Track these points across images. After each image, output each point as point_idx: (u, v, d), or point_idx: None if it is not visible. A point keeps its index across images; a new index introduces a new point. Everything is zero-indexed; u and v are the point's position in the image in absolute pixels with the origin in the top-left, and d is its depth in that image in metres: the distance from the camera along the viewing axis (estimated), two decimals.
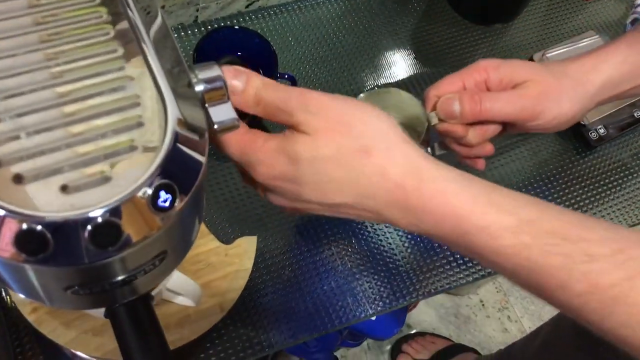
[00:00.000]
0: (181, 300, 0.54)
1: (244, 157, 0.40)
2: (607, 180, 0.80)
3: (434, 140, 0.61)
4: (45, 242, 0.29)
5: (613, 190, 0.80)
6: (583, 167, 0.81)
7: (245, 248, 0.61)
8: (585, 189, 0.79)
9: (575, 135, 0.82)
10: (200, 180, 0.35)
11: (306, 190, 0.39)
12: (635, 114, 0.80)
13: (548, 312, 1.51)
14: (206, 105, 0.37)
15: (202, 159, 0.35)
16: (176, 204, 0.32)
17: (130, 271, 0.33)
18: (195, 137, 0.35)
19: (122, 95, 0.33)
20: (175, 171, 0.33)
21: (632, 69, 0.56)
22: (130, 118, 0.33)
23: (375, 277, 0.70)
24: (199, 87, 0.37)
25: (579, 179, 0.80)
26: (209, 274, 0.58)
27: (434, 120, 0.55)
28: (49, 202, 0.29)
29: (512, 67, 0.55)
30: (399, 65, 0.85)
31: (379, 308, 0.68)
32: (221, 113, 0.38)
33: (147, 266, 0.34)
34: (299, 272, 0.68)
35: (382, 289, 0.69)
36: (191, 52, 0.70)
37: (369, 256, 0.71)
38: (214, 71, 0.38)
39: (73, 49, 0.34)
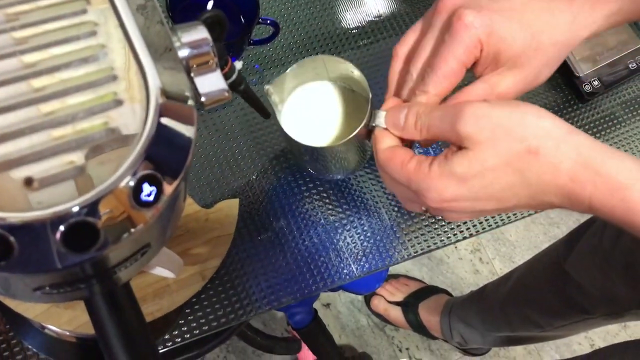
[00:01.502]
0: (160, 272, 0.50)
1: (412, 185, 0.42)
2: (599, 134, 0.78)
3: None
4: (8, 247, 0.25)
5: (606, 142, 0.78)
6: (575, 120, 0.78)
7: (227, 212, 0.57)
8: None
9: (568, 88, 0.79)
10: (190, 160, 0.30)
11: (481, 203, 0.40)
12: (630, 66, 0.77)
13: (519, 255, 1.53)
14: (191, 74, 0.32)
15: (191, 133, 0.30)
16: (162, 196, 0.28)
17: (108, 269, 0.29)
18: (182, 108, 0.30)
19: (97, 68, 0.28)
20: (160, 156, 0.28)
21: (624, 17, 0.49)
22: (104, 96, 0.28)
23: (361, 234, 0.67)
24: (183, 52, 0.32)
25: None
26: (188, 241, 0.54)
27: (380, 122, 0.47)
28: (11, 200, 0.25)
29: (502, 42, 0.46)
30: (385, 3, 0.79)
31: (364, 269, 0.66)
32: (208, 83, 0.33)
33: (127, 261, 0.30)
34: (281, 232, 0.64)
35: (367, 248, 0.66)
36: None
37: (355, 213, 0.68)
38: (199, 32, 0.33)
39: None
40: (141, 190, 0.26)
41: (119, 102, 0.28)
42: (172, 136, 0.30)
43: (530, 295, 1.05)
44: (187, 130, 0.30)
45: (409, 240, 0.68)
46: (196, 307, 0.58)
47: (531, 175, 0.38)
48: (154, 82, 0.28)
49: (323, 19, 0.76)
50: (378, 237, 0.67)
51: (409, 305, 1.35)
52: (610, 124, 0.79)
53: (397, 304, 1.36)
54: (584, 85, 0.76)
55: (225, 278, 0.60)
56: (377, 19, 0.78)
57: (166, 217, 0.30)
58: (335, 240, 0.66)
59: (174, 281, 0.52)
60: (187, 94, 0.31)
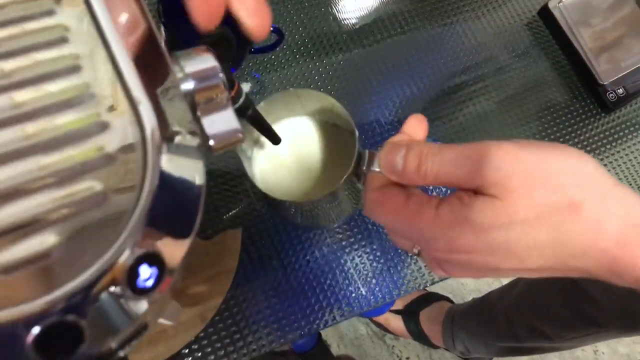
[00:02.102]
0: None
1: (412, 232, 0.35)
2: (625, 145, 0.73)
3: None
4: None
5: (633, 155, 0.73)
6: (599, 132, 0.73)
7: (229, 244, 0.51)
8: (601, 156, 0.72)
9: (591, 97, 0.73)
10: (200, 217, 0.25)
11: (497, 260, 0.33)
12: None
13: None
14: (197, 113, 0.26)
15: (200, 181, 0.25)
16: (165, 278, 0.22)
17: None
18: (188, 151, 0.25)
19: (78, 116, 0.22)
20: (163, 219, 0.23)
21: None
22: (89, 150, 0.22)
23: (373, 261, 0.61)
24: (187, 85, 0.26)
25: (595, 144, 0.72)
26: (186, 279, 0.48)
27: (372, 165, 0.39)
28: None
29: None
30: (387, 2, 0.73)
31: (377, 300, 0.60)
32: (218, 122, 0.27)
33: (119, 350, 0.24)
34: (286, 260, 0.58)
35: (379, 277, 0.61)
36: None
37: (367, 237, 0.62)
38: (206, 61, 0.26)
39: None
40: (138, 275, 0.21)
41: (109, 159, 0.22)
42: (178, 189, 0.24)
43: (538, 305, 1.01)
44: (196, 178, 0.25)
45: (425, 266, 0.62)
46: (195, 351, 0.52)
47: (568, 235, 0.31)
48: (150, 122, 0.23)
49: (327, 21, 0.70)
50: (390, 264, 0.61)
51: (409, 314, 1.30)
52: (635, 134, 0.74)
53: (397, 312, 1.31)
54: (608, 94, 0.71)
55: (226, 317, 0.54)
56: (380, 18, 0.72)
57: (169, 293, 0.24)
58: (345, 268, 0.60)
59: (171, 325, 0.47)
60: (192, 132, 0.25)
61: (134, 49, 0.24)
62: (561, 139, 0.71)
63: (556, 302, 0.97)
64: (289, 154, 0.49)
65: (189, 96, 0.26)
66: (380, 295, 0.60)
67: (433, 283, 0.62)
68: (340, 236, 0.61)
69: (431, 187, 0.63)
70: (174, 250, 0.23)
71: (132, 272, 0.20)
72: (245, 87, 0.43)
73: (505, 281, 1.41)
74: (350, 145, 0.42)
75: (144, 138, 0.23)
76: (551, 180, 0.31)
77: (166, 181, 0.23)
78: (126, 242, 0.20)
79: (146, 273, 0.21)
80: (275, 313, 0.56)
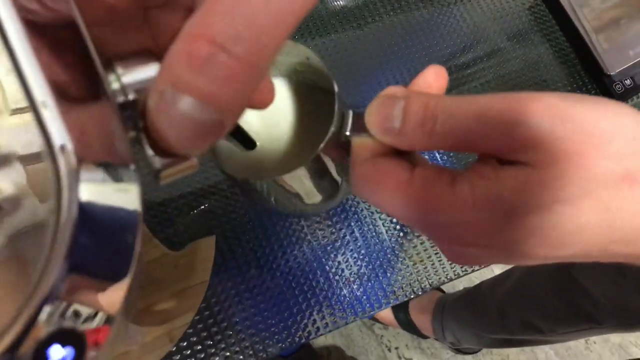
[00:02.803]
0: None
1: (420, 217, 0.27)
2: None
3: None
4: None
5: None
6: None
7: (201, 255, 0.46)
8: None
9: (597, 87, 0.68)
10: (137, 258, 0.20)
11: (529, 247, 0.26)
12: None
13: None
14: (139, 133, 0.21)
15: (134, 205, 0.20)
16: (86, 357, 0.17)
17: None
18: (118, 175, 0.20)
19: None
20: (85, 264, 0.18)
21: None
22: None
23: (361, 267, 0.57)
24: (121, 96, 0.21)
25: None
26: (152, 295, 0.44)
27: (350, 128, 0.30)
28: None
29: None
30: (400, 2, 0.68)
31: (365, 311, 0.56)
32: None
33: None
34: (266, 268, 0.54)
35: (367, 285, 0.56)
36: None
37: (350, 233, 0.57)
38: (150, 69, 0.21)
39: None
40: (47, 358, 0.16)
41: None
42: (105, 219, 0.19)
43: (532, 299, 0.99)
44: (129, 202, 0.20)
45: (417, 272, 0.58)
46: None
47: (620, 215, 0.24)
48: (60, 134, 0.18)
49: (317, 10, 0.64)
50: (379, 270, 0.57)
51: (399, 303, 1.27)
52: None
53: None
54: (615, 85, 0.66)
55: (197, 335, 0.49)
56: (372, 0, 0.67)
57: None
58: (330, 275, 0.56)
59: (137, 347, 0.42)
60: (124, 152, 0.20)
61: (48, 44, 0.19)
62: None
63: (550, 296, 0.95)
64: (261, 125, 0.40)
65: (126, 112, 0.20)
66: (368, 305, 0.56)
67: (432, 287, 0.58)
68: (322, 232, 0.57)
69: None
70: (107, 298, 0.19)
71: (39, 356, 0.16)
72: None
73: (497, 270, 1.38)
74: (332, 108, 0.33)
75: (53, 155, 0.18)
76: (607, 144, 0.24)
77: (88, 212, 0.18)
78: (33, 317, 0.16)
79: (58, 354, 0.16)
80: (253, 325, 0.52)
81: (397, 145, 0.28)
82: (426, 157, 0.52)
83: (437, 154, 0.62)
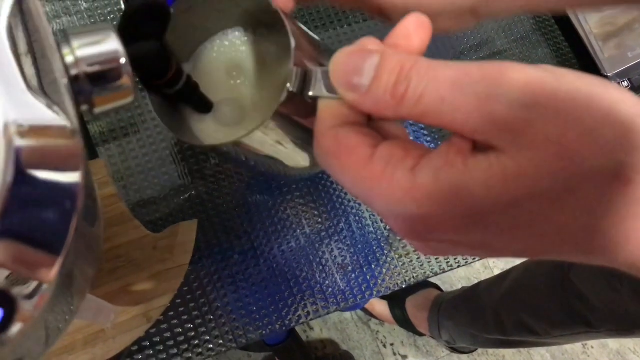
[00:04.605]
0: (86, 318, 0.40)
1: (375, 202, 0.24)
2: None
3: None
4: None
5: None
6: None
7: (181, 238, 0.46)
8: None
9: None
10: (74, 228, 0.20)
11: (498, 245, 0.23)
12: None
13: None
14: (90, 107, 0.21)
15: (75, 183, 0.20)
16: (16, 319, 0.17)
17: None
18: (59, 146, 0.20)
19: None
20: (16, 239, 0.18)
21: None
22: None
23: (345, 254, 0.57)
24: (75, 70, 0.21)
25: None
26: (130, 275, 0.44)
27: (320, 86, 0.27)
28: None
29: None
30: None
31: (348, 302, 0.56)
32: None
33: None
34: (250, 254, 0.54)
35: (352, 277, 0.57)
36: None
37: (346, 223, 0.58)
38: (106, 43, 0.21)
39: None
40: None
41: None
42: (41, 195, 0.19)
43: (528, 302, 0.99)
44: (68, 177, 0.20)
45: (402, 265, 0.58)
46: (138, 356, 0.48)
47: (604, 220, 0.21)
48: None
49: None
50: (370, 258, 0.57)
51: (395, 300, 1.27)
52: None
53: (382, 297, 1.28)
54: None
55: (177, 318, 0.50)
56: None
57: (40, 327, 0.20)
58: (314, 265, 0.56)
59: (112, 325, 0.42)
60: (65, 118, 0.20)
61: None
62: None
63: (546, 299, 0.94)
64: (223, 86, 0.37)
65: (78, 85, 0.21)
66: (351, 296, 0.56)
67: (416, 281, 0.58)
68: (309, 222, 0.57)
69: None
70: (42, 266, 0.19)
71: None
72: (188, 67, 0.37)
73: (498, 271, 1.37)
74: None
75: None
76: (598, 133, 0.20)
77: (25, 179, 0.18)
78: None
79: None
80: (234, 311, 0.52)
81: (361, 107, 0.25)
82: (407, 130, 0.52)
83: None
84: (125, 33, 0.28)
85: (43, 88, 0.20)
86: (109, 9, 0.58)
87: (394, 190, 0.22)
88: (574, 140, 0.20)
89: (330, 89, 0.26)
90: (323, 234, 0.57)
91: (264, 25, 0.37)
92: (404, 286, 0.57)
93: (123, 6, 0.54)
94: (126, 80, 0.21)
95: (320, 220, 0.57)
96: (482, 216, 0.21)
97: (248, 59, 0.38)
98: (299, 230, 0.56)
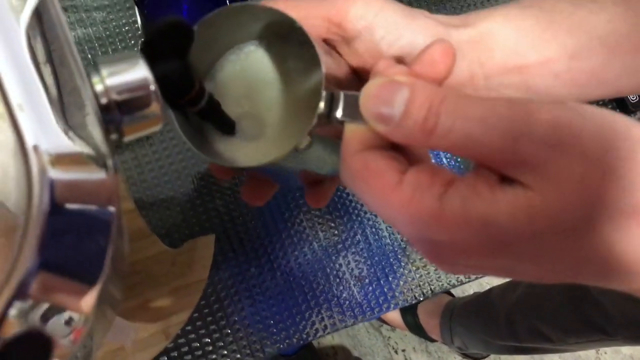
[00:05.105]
0: (108, 338, 0.40)
1: (404, 226, 0.25)
2: None
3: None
4: None
5: None
6: None
7: (200, 253, 0.46)
8: None
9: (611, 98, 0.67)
10: (109, 263, 0.20)
11: (520, 271, 0.24)
12: None
13: None
14: (119, 135, 0.21)
15: (109, 212, 0.20)
16: (53, 357, 0.17)
17: None
18: (91, 182, 0.20)
19: None
20: (53, 272, 0.18)
21: (543, 29, 0.35)
22: None
23: (371, 266, 0.57)
24: (105, 99, 0.21)
25: None
26: (149, 291, 0.44)
27: (349, 112, 0.28)
28: None
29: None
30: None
31: (365, 316, 0.56)
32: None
33: None
34: (266, 267, 0.54)
35: (369, 290, 0.56)
36: None
37: (362, 235, 0.57)
38: (135, 70, 0.21)
39: None
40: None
41: None
42: (75, 226, 0.19)
43: (542, 308, 0.98)
44: (103, 213, 0.20)
45: (419, 277, 0.57)
46: None
47: (625, 252, 0.22)
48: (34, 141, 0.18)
49: None
50: (387, 270, 0.57)
51: (407, 306, 1.26)
52: None
53: None
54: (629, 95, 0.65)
55: (195, 332, 0.49)
56: None
57: None
58: (330, 277, 0.55)
59: (131, 343, 0.42)
60: (101, 149, 0.20)
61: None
62: None
63: (561, 305, 0.93)
64: (243, 101, 0.36)
65: (109, 114, 0.20)
66: (368, 308, 0.55)
67: (434, 294, 0.57)
68: (325, 233, 0.56)
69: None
70: (79, 298, 0.19)
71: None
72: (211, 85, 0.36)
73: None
74: (319, 89, 0.29)
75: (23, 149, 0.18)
76: (619, 173, 0.21)
77: (60, 210, 0.18)
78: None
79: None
80: (252, 324, 0.52)
81: (390, 137, 0.25)
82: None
83: (443, 158, 0.61)
84: (149, 52, 0.28)
85: (63, 101, 0.20)
86: (123, 21, 0.58)
87: (422, 216, 0.23)
88: (597, 180, 0.21)
89: (358, 114, 0.26)
90: (339, 245, 0.56)
91: (280, 37, 0.36)
92: (421, 299, 0.56)
93: (139, 19, 0.53)
94: (155, 107, 0.21)
95: (336, 232, 0.57)
96: (507, 245, 0.23)
97: (265, 72, 0.37)
98: (315, 243, 0.56)
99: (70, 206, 0.19)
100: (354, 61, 0.35)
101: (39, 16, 0.20)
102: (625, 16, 0.35)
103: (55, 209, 0.18)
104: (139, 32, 0.57)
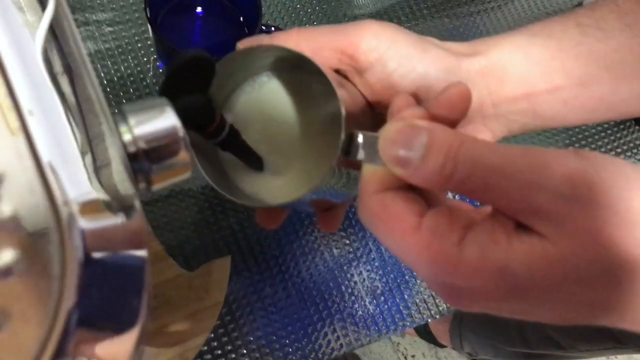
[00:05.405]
0: None
1: (423, 270, 0.25)
2: None
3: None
4: None
5: None
6: (631, 146, 0.66)
7: (216, 275, 0.46)
8: None
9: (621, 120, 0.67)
10: (147, 297, 0.20)
11: (536, 314, 0.25)
12: None
13: None
14: (148, 184, 0.21)
15: (141, 257, 0.20)
16: None
17: None
18: (123, 227, 0.20)
19: None
20: (91, 326, 0.18)
21: (553, 59, 0.36)
22: None
23: (387, 283, 0.56)
24: (132, 147, 0.20)
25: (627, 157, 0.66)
26: (166, 315, 0.43)
27: (368, 154, 0.28)
28: None
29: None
30: (415, 12, 0.67)
31: (390, 330, 0.55)
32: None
33: None
34: (281, 286, 0.53)
35: (391, 311, 0.56)
36: None
37: (377, 251, 0.57)
38: (164, 119, 0.21)
39: None
40: None
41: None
42: (112, 281, 0.19)
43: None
44: (136, 257, 0.20)
45: (435, 292, 0.57)
46: None
47: (636, 301, 0.23)
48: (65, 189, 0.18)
49: (336, 16, 0.64)
50: (392, 280, 0.56)
51: None
52: None
53: None
54: None
55: (211, 352, 0.49)
56: (391, 8, 0.65)
57: None
58: (345, 295, 0.55)
59: None
60: (129, 192, 0.20)
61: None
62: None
63: None
64: (256, 133, 0.36)
65: (137, 163, 0.20)
66: (383, 325, 0.55)
67: (450, 312, 0.57)
68: (349, 248, 0.56)
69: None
70: (116, 349, 0.19)
71: None
72: (230, 117, 0.35)
73: None
74: (335, 120, 0.30)
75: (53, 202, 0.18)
76: (631, 227, 0.22)
77: (94, 260, 0.18)
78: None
79: None
80: (268, 344, 0.51)
81: (408, 180, 0.26)
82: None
83: None
84: (171, 86, 0.27)
85: (81, 108, 0.20)
86: (133, 31, 0.57)
87: (441, 261, 0.24)
88: (612, 232, 0.22)
89: (377, 156, 0.26)
90: (353, 260, 0.56)
91: (292, 66, 0.37)
92: (437, 317, 0.56)
93: (151, 34, 0.53)
94: (184, 155, 0.21)
95: (350, 247, 0.56)
96: (523, 292, 0.24)
97: (280, 100, 0.38)
98: (329, 258, 0.55)
99: (102, 255, 0.19)
100: (366, 91, 0.36)
101: (53, 32, 0.20)
102: (631, 43, 0.36)
103: (89, 260, 0.18)
104: (151, 48, 0.57)
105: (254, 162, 0.35)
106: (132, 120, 0.20)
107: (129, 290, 0.20)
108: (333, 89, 0.30)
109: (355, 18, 0.64)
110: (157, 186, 0.21)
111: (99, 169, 0.20)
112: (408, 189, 0.27)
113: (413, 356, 1.31)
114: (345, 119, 0.29)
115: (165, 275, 0.44)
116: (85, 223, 0.18)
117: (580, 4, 0.66)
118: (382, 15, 0.64)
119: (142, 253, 0.20)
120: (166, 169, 0.20)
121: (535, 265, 0.23)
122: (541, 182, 0.22)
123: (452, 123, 0.29)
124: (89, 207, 0.19)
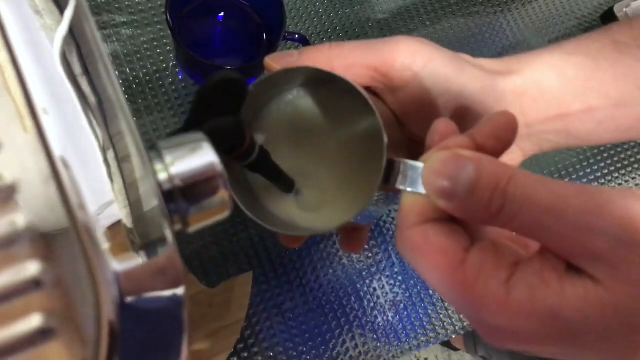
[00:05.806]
0: None
1: (465, 308, 0.24)
2: None
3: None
4: None
5: None
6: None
7: (237, 293, 0.44)
8: None
9: None
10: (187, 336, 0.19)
11: (583, 355, 0.24)
12: None
13: None
14: (184, 226, 0.19)
15: (179, 296, 0.19)
16: None
17: None
18: (160, 265, 0.19)
19: None
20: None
21: (588, 78, 0.35)
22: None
23: (410, 298, 0.55)
24: (168, 185, 0.19)
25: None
26: None
27: (412, 183, 0.26)
28: None
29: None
30: (437, 11, 0.65)
31: (408, 346, 0.54)
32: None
33: None
34: (302, 300, 0.52)
35: (412, 320, 0.54)
36: None
37: (401, 265, 0.55)
38: (201, 156, 0.19)
39: None
40: None
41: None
42: (151, 320, 0.18)
43: None
44: (173, 297, 0.19)
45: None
46: None
47: None
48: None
49: (355, 30, 0.62)
50: (414, 292, 0.55)
51: None
52: None
53: None
54: None
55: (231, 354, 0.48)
56: (406, 9, 0.64)
57: None
58: (368, 310, 0.54)
59: None
60: (165, 231, 0.19)
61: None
62: (601, 158, 0.63)
63: None
64: (287, 154, 0.35)
65: (172, 203, 0.19)
66: (404, 337, 0.53)
67: (473, 329, 0.55)
68: (369, 254, 0.55)
69: None
70: None
71: None
72: (260, 138, 0.34)
73: None
74: (371, 139, 0.29)
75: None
76: None
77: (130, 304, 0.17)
78: None
79: None
80: (299, 355, 0.50)
81: (452, 213, 0.24)
82: None
83: None
84: (201, 108, 0.26)
85: (103, 107, 0.19)
86: (152, 36, 0.56)
87: (487, 301, 0.23)
88: None
89: (419, 185, 0.25)
90: (373, 269, 0.55)
91: (323, 83, 0.35)
92: (461, 332, 0.54)
93: (171, 34, 0.52)
94: (223, 194, 0.19)
95: (370, 255, 0.55)
96: (573, 337, 0.23)
97: (310, 117, 0.36)
98: (349, 267, 0.54)
99: (138, 299, 0.17)
100: (397, 108, 0.35)
101: (72, 34, 0.19)
102: None
103: (125, 306, 0.17)
104: (170, 54, 0.55)
105: (285, 183, 0.33)
106: (168, 158, 0.19)
107: (170, 332, 0.19)
108: (372, 110, 0.29)
109: (379, 23, 0.62)
110: (194, 227, 0.19)
111: (114, 129, 0.19)
112: (449, 219, 0.25)
113: (426, 359, 1.30)
114: (387, 146, 0.28)
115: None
116: (119, 265, 0.17)
117: (610, 10, 0.64)
118: (399, 19, 0.63)
119: (180, 291, 0.19)
120: (204, 209, 0.19)
121: (590, 311, 0.22)
122: (597, 225, 0.21)
123: (497, 153, 0.27)
124: (118, 241, 0.17)
